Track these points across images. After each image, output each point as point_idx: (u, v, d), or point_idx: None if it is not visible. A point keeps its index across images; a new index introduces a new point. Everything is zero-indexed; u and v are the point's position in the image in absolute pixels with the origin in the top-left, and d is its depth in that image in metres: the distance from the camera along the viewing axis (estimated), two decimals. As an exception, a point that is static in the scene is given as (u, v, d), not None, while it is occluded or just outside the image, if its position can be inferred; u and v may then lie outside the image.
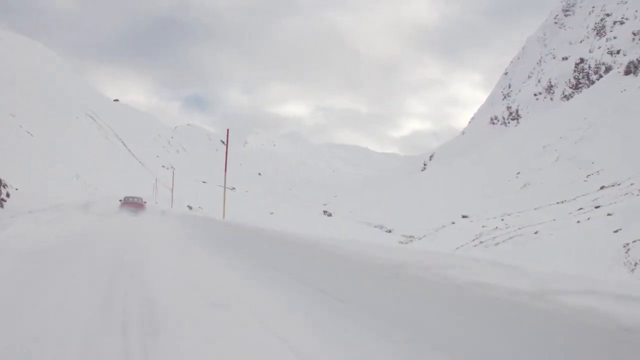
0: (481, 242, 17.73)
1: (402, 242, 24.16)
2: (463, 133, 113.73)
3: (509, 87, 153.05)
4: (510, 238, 16.83)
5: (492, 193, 41.13)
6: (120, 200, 26.22)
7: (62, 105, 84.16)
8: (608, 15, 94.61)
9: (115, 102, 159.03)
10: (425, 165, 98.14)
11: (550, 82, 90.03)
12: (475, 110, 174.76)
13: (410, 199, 54.47)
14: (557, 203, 25.65)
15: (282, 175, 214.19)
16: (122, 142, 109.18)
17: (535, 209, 25.51)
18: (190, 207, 30.79)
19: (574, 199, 24.52)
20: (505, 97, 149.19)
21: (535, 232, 16.73)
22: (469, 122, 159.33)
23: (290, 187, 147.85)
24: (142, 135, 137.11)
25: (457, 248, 18.28)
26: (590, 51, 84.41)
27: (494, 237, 17.54)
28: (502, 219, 23.64)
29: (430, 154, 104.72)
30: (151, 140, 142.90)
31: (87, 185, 46.31)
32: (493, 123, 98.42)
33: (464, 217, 32.01)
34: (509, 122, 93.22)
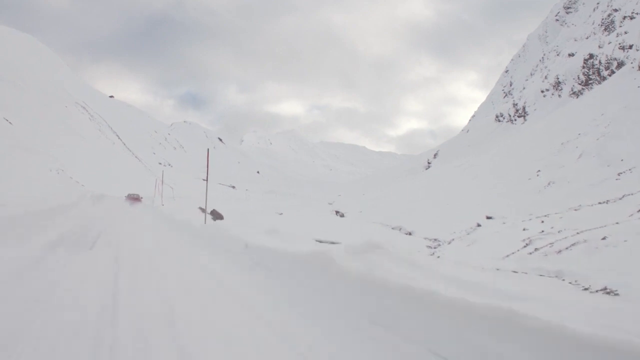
0: (536, 249, 15.30)
1: (430, 247, 21.80)
2: (467, 131, 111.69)
3: (511, 84, 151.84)
4: (573, 245, 14.35)
5: (513, 191, 38.80)
6: (125, 196, 34.61)
7: (50, 94, 79.84)
8: (616, 10, 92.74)
9: (110, 98, 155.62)
10: (429, 163, 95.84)
11: (557, 79, 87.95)
12: (475, 109, 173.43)
13: (419, 198, 52.19)
14: (600, 203, 23.27)
15: (281, 173, 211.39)
16: (117, 135, 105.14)
17: (575, 209, 23.13)
18: (202, 209, 26.51)
19: (621, 199, 22.15)
20: (506, 94, 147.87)
21: (603, 238, 14.20)
22: (470, 120, 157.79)
23: (290, 186, 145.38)
24: (138, 131, 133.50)
25: (507, 256, 15.85)
26: (599, 47, 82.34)
27: (551, 244, 15.09)
28: (542, 221, 21.24)
29: (434, 152, 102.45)
30: (147, 137, 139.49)
31: (74, 180, 42.71)
32: (499, 120, 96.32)
33: (488, 218, 29.63)
34: (515, 120, 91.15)
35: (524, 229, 20.06)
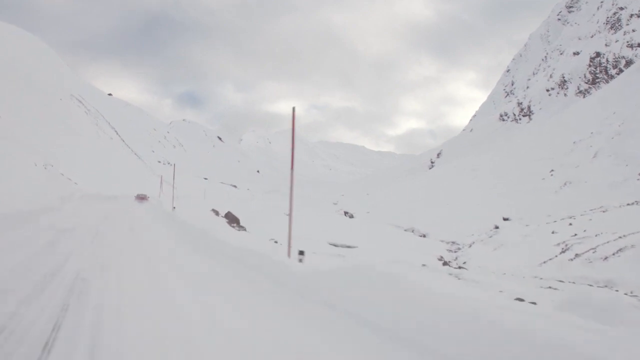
0: (576, 254, 13.98)
1: (450, 251, 20.49)
2: (470, 130, 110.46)
3: (512, 84, 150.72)
4: (620, 250, 13.06)
5: (526, 192, 37.55)
6: (135, 197, 36.58)
7: (42, 86, 76.58)
8: (622, 9, 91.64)
9: (109, 96, 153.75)
10: (432, 163, 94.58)
11: (563, 78, 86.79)
12: (476, 108, 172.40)
13: (426, 198, 50.90)
14: (629, 204, 21.99)
15: (281, 173, 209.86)
16: (115, 131, 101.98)
17: (603, 211, 21.85)
18: (215, 212, 21.32)
19: (652, 200, 20.86)
20: (508, 94, 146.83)
21: (652, 243, 12.85)
22: (471, 119, 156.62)
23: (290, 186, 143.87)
24: (137, 130, 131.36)
25: (544, 262, 14.52)
26: (606, 45, 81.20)
27: (593, 250, 13.78)
28: (570, 224, 19.95)
29: (438, 152, 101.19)
30: (146, 135, 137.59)
31: (65, 178, 40.30)
32: (503, 120, 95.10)
33: (505, 219, 28.36)
34: (520, 119, 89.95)
35: (552, 232, 18.75)
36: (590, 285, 11.76)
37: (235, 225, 14.42)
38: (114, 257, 8.74)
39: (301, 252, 7.36)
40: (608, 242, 14.32)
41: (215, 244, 10.35)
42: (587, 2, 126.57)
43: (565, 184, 34.46)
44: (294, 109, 7.86)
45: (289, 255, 7.83)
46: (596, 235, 15.78)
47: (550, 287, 10.70)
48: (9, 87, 63.18)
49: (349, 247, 17.49)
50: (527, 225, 23.16)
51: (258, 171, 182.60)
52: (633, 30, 75.91)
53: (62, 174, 42.15)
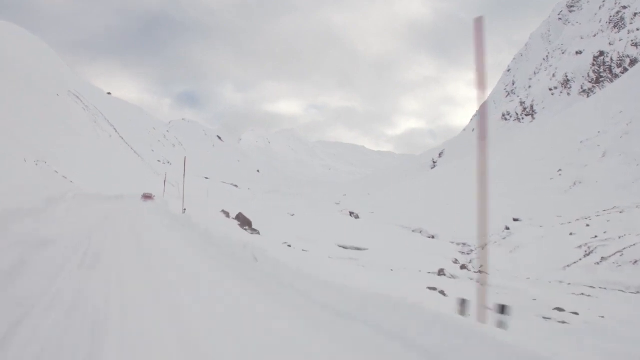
0: (602, 257, 13.30)
1: (463, 253, 19.84)
2: (472, 130, 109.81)
3: (513, 84, 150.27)
4: (649, 254, 12.31)
5: (533, 192, 36.88)
6: (141, 196, 37.26)
7: (42, 86, 75.25)
8: (625, 7, 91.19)
9: (108, 95, 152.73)
10: (435, 162, 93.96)
11: (566, 77, 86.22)
12: (477, 108, 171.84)
13: (429, 198, 50.25)
14: (646, 205, 21.31)
15: (281, 173, 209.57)
16: (114, 129, 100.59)
17: (619, 212, 21.18)
18: (225, 213, 19.68)
19: (671, 201, 20.21)
20: (509, 94, 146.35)
21: (684, 246, 12.17)
22: (472, 119, 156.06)
23: (290, 185, 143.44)
24: (137, 129, 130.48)
25: (568, 266, 13.83)
26: (610, 44, 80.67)
27: (620, 253, 13.08)
28: (588, 225, 19.27)
29: (440, 151, 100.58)
30: (146, 134, 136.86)
31: (60, 175, 39.23)
32: (505, 119, 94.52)
33: (515, 220, 27.70)
34: (523, 118, 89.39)
35: (570, 234, 18.07)
36: (623, 292, 11.09)
37: (247, 228, 13.59)
38: (112, 307, 4.69)
39: (502, 309, 3.90)
40: (635, 244, 13.65)
41: (284, 274, 6.57)
42: (588, 2, 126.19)
43: (574, 183, 33.81)
44: (479, 18, 4.34)
45: (483, 320, 3.97)
46: (620, 237, 15.11)
47: (583, 294, 10.04)
48: (8, 87, 62.44)
49: (358, 249, 16.84)
50: (540, 227, 22.49)
51: (258, 171, 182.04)
52: (637, 29, 75.41)
53: (57, 172, 40.72)
